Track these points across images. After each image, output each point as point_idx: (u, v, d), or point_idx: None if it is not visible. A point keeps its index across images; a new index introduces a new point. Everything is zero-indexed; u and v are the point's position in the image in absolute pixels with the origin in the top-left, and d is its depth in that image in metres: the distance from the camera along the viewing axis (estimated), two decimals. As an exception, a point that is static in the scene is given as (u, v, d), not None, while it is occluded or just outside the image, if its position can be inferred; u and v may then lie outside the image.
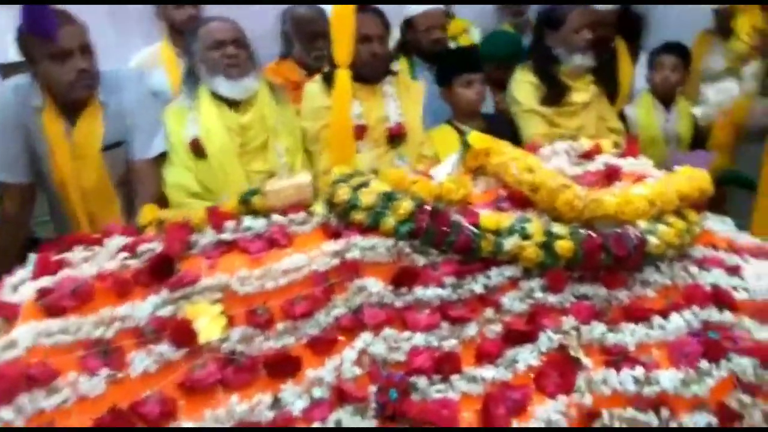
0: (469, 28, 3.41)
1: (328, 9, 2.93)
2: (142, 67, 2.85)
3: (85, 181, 2.23)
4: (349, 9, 2.12)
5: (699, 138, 2.94)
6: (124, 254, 1.38)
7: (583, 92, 2.78)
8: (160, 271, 1.33)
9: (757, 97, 2.41)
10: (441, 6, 2.99)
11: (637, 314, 1.46)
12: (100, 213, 2.25)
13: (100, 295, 1.30)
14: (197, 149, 2.28)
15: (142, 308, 1.29)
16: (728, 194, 2.89)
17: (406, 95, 2.53)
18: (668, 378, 1.35)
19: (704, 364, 1.38)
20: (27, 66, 2.17)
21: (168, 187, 2.31)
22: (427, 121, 2.61)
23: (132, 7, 3.19)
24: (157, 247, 1.39)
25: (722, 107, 2.21)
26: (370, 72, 2.45)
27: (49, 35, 2.03)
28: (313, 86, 2.49)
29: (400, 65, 2.88)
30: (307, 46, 2.79)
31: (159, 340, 1.27)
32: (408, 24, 2.99)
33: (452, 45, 3.10)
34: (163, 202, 2.31)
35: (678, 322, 1.44)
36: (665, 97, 2.96)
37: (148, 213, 1.52)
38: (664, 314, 1.46)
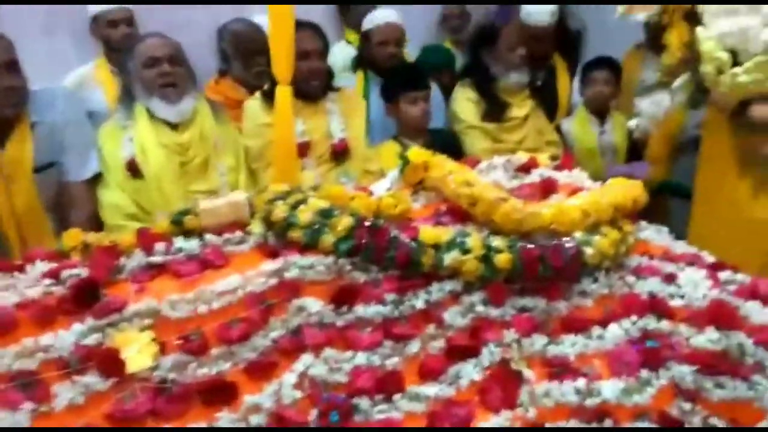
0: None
1: (266, 25, 2.91)
2: (76, 86, 2.76)
3: (15, 203, 2.13)
4: (288, 25, 2.10)
5: (635, 150, 3.03)
6: (48, 281, 1.31)
7: (521, 107, 2.85)
8: (85, 298, 1.26)
9: (688, 109, 2.50)
10: (397, 20, 2.98)
11: (577, 325, 1.47)
12: (31, 236, 2.16)
13: (21, 324, 1.23)
14: (133, 169, 2.22)
15: (66, 337, 1.22)
16: (668, 205, 3.00)
17: (349, 111, 2.53)
18: (610, 388, 1.35)
19: (644, 372, 1.39)
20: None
21: (103, 209, 2.24)
22: (375, 136, 2.60)
23: (66, 23, 3.09)
24: (83, 272, 1.32)
25: (655, 119, 2.28)
26: (310, 88, 2.44)
27: None
28: (254, 104, 2.46)
29: (356, 79, 2.88)
30: (247, 62, 2.75)
31: (85, 370, 1.21)
32: (365, 37, 2.98)
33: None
34: (98, 224, 2.23)
35: (616, 332, 1.45)
36: (599, 111, 3.05)
37: (72, 236, 1.45)
38: (603, 324, 1.47)
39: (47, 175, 2.18)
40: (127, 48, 2.34)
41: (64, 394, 1.18)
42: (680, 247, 1.74)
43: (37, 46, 3.04)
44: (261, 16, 2.88)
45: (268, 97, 2.39)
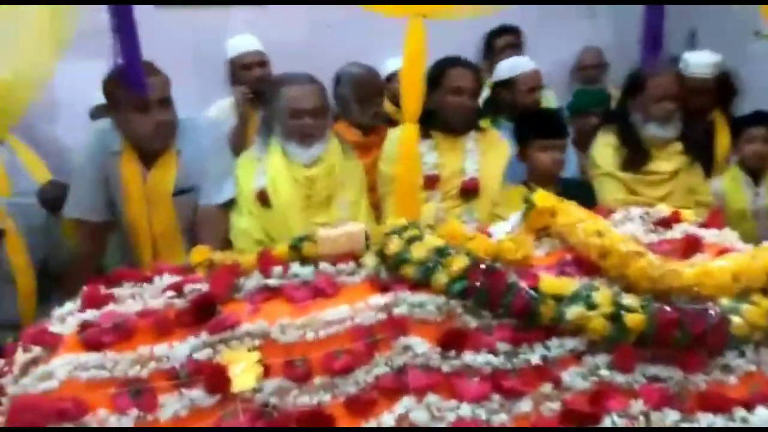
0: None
1: (387, 68, 2.99)
2: (219, 116, 2.96)
3: (155, 225, 2.27)
4: (421, 62, 2.12)
5: None
6: (171, 293, 1.36)
7: (667, 162, 2.63)
8: (202, 313, 1.30)
9: None
10: (538, 68, 2.97)
11: (716, 403, 1.29)
12: (166, 257, 2.27)
13: (140, 332, 1.28)
14: (263, 199, 2.31)
15: (180, 349, 1.25)
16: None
17: (489, 152, 2.51)
18: (753, 481, 1.17)
19: (796, 468, 1.19)
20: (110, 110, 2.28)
21: (234, 233, 2.33)
22: (507, 178, 2.54)
23: (214, 61, 3.36)
24: (204, 287, 1.36)
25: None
26: (456, 124, 2.46)
27: (135, 86, 2.12)
28: (396, 132, 2.50)
29: (483, 123, 2.85)
30: (365, 105, 2.78)
31: (193, 384, 1.23)
32: (503, 84, 2.97)
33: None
34: (228, 248, 2.32)
35: (764, 416, 1.27)
36: (754, 171, 2.76)
37: (200, 253, 1.51)
38: (748, 406, 1.29)
39: (186, 199, 2.30)
40: (274, 85, 2.45)
41: (170, 405, 1.21)
42: None
43: (187, 77, 3.35)
44: (394, 60, 2.98)
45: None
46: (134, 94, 2.13)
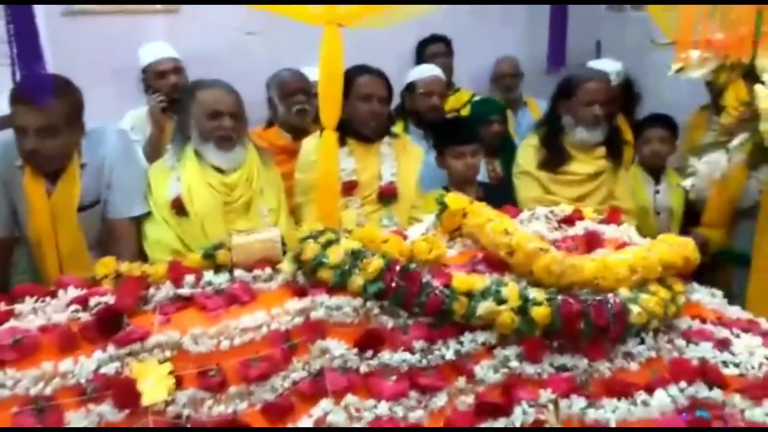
0: (472, 99, 3.47)
1: (314, 73, 3.00)
2: (134, 126, 2.88)
3: (60, 240, 2.17)
4: (337, 70, 2.14)
5: (691, 213, 2.90)
6: (75, 306, 1.31)
7: (587, 164, 2.72)
8: (109, 326, 1.26)
9: (748, 171, 2.38)
10: (440, 74, 3.06)
11: (620, 389, 1.37)
12: (73, 272, 2.18)
13: (43, 348, 1.23)
14: (178, 207, 2.25)
15: (86, 365, 1.21)
16: (730, 271, 2.82)
17: (404, 157, 2.53)
18: (653, 459, 1.24)
19: (693, 444, 1.28)
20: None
21: (148, 243, 2.26)
22: (423, 185, 2.59)
23: (129, 70, 3.27)
24: (110, 300, 1.32)
25: (712, 180, 2.16)
26: (367, 130, 2.47)
27: (37, 96, 2.00)
28: (311, 141, 2.50)
29: (396, 128, 2.90)
30: (288, 102, 2.82)
31: (101, 399, 1.19)
32: (408, 87, 3.03)
33: (449, 115, 3.14)
34: (141, 262, 2.25)
35: (663, 399, 1.35)
36: (654, 170, 2.94)
37: (106, 265, 1.46)
38: (649, 389, 1.37)
39: (91, 213, 2.21)
40: (189, 90, 2.40)
41: (77, 422, 1.17)
42: (735, 312, 1.62)
43: (103, 90, 3.24)
44: (311, 68, 2.99)
45: None
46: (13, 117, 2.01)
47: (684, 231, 2.85)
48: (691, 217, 2.91)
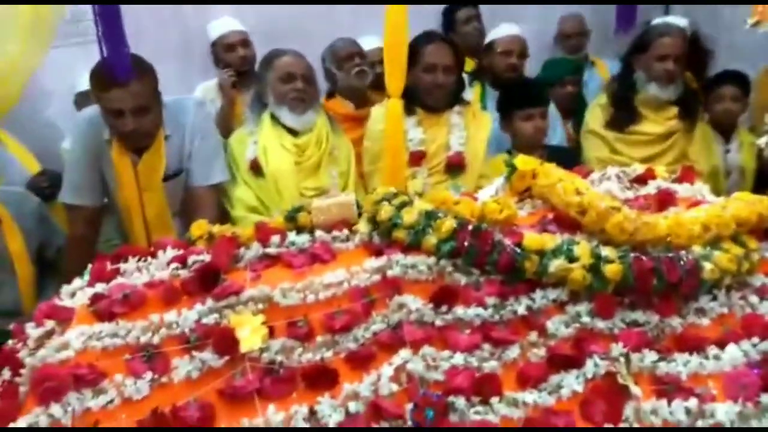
0: None
1: (371, 42, 3.04)
2: (206, 94, 3.01)
3: (147, 209, 2.32)
4: (402, 39, 2.17)
5: (764, 172, 2.81)
6: (175, 264, 1.43)
7: (658, 124, 2.67)
8: (207, 282, 1.37)
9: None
10: (520, 34, 3.04)
11: (692, 343, 1.40)
12: (158, 238, 2.31)
13: (149, 302, 1.35)
14: (255, 168, 2.39)
15: (188, 316, 1.32)
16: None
17: (473, 125, 2.54)
18: (725, 411, 1.28)
19: (765, 398, 1.30)
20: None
21: (232, 202, 2.42)
22: (491, 149, 2.60)
23: (199, 44, 3.39)
24: (206, 258, 1.43)
25: (788, 137, 2.11)
26: (432, 101, 2.49)
27: (121, 75, 2.11)
28: (380, 110, 2.56)
29: (473, 92, 2.90)
30: (346, 66, 2.87)
31: (203, 347, 1.30)
32: (487, 47, 3.03)
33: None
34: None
35: (735, 353, 1.37)
36: (724, 129, 2.85)
37: (199, 227, 1.57)
38: (721, 344, 1.40)
39: (176, 182, 2.35)
40: (266, 59, 2.53)
41: (183, 367, 1.28)
42: (813, 270, 1.60)
43: (173, 64, 3.38)
44: (369, 37, 3.04)
45: None
46: (106, 99, 2.11)
47: (757, 192, 2.77)
48: (763, 178, 2.82)
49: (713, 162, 2.82)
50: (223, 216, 2.37)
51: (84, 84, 3.04)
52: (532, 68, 3.31)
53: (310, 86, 2.44)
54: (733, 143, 2.84)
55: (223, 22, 3.20)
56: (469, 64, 3.21)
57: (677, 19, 3.25)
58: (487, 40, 3.06)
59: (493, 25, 3.28)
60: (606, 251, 1.42)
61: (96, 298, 1.35)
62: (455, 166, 2.47)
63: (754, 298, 1.47)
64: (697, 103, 2.80)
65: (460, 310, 1.39)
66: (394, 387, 1.29)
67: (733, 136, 2.85)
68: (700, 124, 2.94)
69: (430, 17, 3.49)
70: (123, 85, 2.07)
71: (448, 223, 1.43)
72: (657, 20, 3.20)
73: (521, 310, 1.40)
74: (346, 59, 2.88)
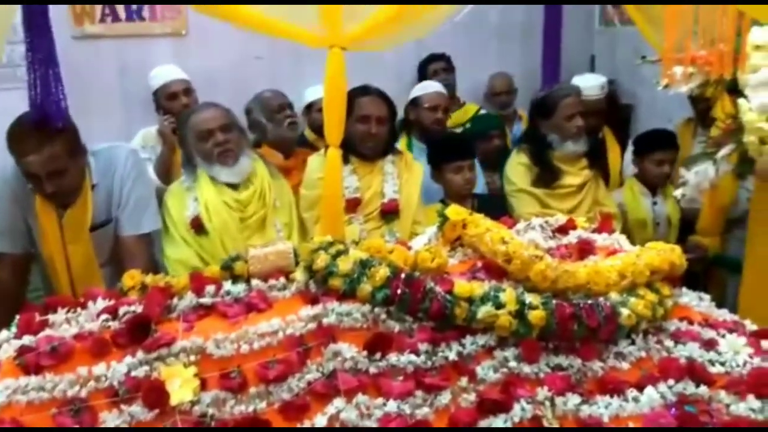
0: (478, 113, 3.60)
1: (316, 93, 3.13)
2: (147, 141, 3.00)
3: (72, 259, 2.25)
4: (341, 91, 2.24)
5: (687, 221, 3.00)
6: (106, 316, 1.42)
7: (576, 176, 2.86)
8: (138, 333, 1.36)
9: (735, 180, 2.49)
10: (443, 90, 3.20)
11: (612, 386, 1.46)
12: (83, 288, 2.23)
13: (77, 354, 1.33)
14: (197, 226, 2.35)
15: (118, 369, 1.31)
16: (724, 278, 2.92)
17: (406, 174, 2.62)
18: (643, 452, 1.33)
19: (680, 438, 1.37)
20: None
21: (169, 263, 2.36)
22: (423, 199, 2.68)
23: (138, 91, 3.40)
24: (138, 309, 1.42)
25: (701, 189, 2.27)
26: (366, 150, 2.56)
27: (55, 121, 2.08)
28: (316, 159, 2.61)
29: (400, 143, 3.00)
30: (277, 117, 2.95)
31: (132, 400, 1.29)
32: (413, 102, 3.15)
33: (447, 132, 3.26)
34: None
35: (653, 395, 1.44)
36: (652, 184, 3.04)
37: (132, 277, 1.56)
38: (639, 387, 1.47)
39: (103, 232, 2.29)
40: (181, 121, 2.52)
41: (111, 421, 1.26)
42: (722, 314, 1.71)
43: (112, 111, 3.37)
44: (314, 88, 3.13)
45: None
46: (26, 161, 2.06)
47: (680, 239, 2.96)
48: (686, 226, 3.00)
49: (641, 214, 3.00)
50: (154, 266, 2.33)
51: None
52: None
53: (232, 133, 2.41)
54: (659, 195, 3.04)
55: (165, 70, 3.22)
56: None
57: (595, 77, 3.48)
58: (411, 96, 3.19)
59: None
60: (530, 298, 1.49)
61: (23, 351, 1.32)
62: (390, 213, 2.53)
63: (669, 342, 1.56)
64: (601, 151, 3.02)
65: (393, 357, 1.42)
66: (328, 437, 1.30)
67: (658, 188, 3.04)
68: (618, 173, 3.14)
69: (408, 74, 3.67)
70: (36, 151, 2.03)
71: (382, 272, 1.48)
72: (575, 78, 3.41)
73: (452, 356, 1.44)
74: (277, 110, 2.95)
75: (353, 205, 2.50)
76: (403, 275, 1.48)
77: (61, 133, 2.08)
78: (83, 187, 2.21)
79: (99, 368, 1.30)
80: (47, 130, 2.03)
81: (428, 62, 3.75)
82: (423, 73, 3.75)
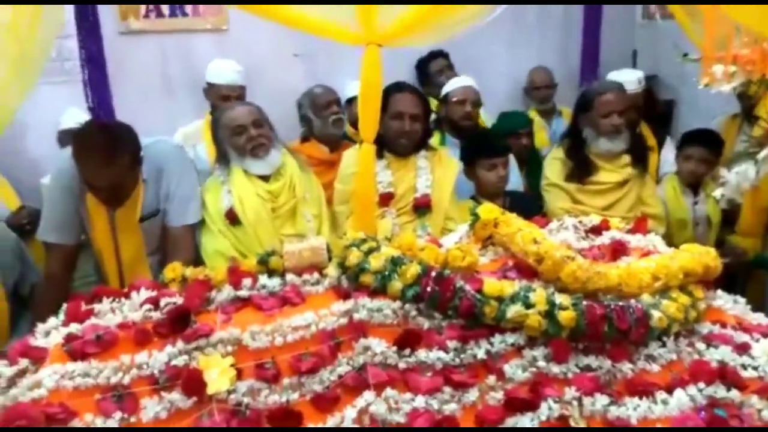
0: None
1: (348, 92, 3.17)
2: (184, 140, 3.08)
3: (122, 251, 2.34)
4: (376, 88, 2.27)
5: (729, 221, 2.93)
6: (148, 306, 1.48)
7: (614, 173, 2.81)
8: (178, 324, 1.42)
9: (779, 181, 2.43)
10: (473, 84, 3.18)
11: (641, 388, 1.46)
12: (132, 278, 2.33)
13: (121, 343, 1.40)
14: (232, 218, 2.43)
15: (158, 357, 1.37)
16: (764, 279, 2.86)
17: (439, 169, 2.64)
18: (671, 454, 1.34)
19: (709, 441, 1.37)
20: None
21: (207, 254, 2.43)
22: (458, 197, 2.70)
23: (184, 85, 3.49)
24: (179, 301, 1.48)
25: (741, 190, 2.22)
26: (399, 147, 2.59)
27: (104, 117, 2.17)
28: (351, 152, 2.66)
29: (433, 139, 3.02)
30: (323, 114, 3.01)
31: (171, 388, 1.35)
32: (444, 98, 3.17)
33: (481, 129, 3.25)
34: (196, 267, 2.42)
35: (682, 398, 1.44)
36: (693, 183, 2.98)
37: (173, 270, 1.62)
38: (669, 389, 1.46)
39: (152, 222, 2.38)
40: (215, 119, 2.61)
41: (151, 408, 1.32)
42: (757, 318, 1.69)
43: (158, 99, 3.47)
44: (355, 83, 3.16)
45: None
46: (86, 171, 2.14)
47: (720, 240, 2.90)
48: (727, 227, 2.94)
49: (681, 214, 2.95)
50: (199, 256, 2.41)
51: (67, 122, 3.12)
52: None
53: (264, 128, 2.50)
54: (701, 195, 2.98)
55: (228, 69, 3.25)
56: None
57: (632, 72, 3.41)
58: (443, 92, 3.19)
59: (467, 74, 3.43)
60: (560, 298, 1.50)
61: (70, 338, 1.39)
62: (422, 207, 2.56)
63: (701, 345, 1.55)
64: (646, 149, 2.96)
65: (422, 354, 1.45)
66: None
67: (700, 188, 2.99)
68: (656, 170, 3.08)
69: (403, 71, 3.65)
70: (100, 170, 2.11)
71: (413, 269, 1.50)
72: (611, 73, 3.36)
73: (481, 354, 1.46)
74: (325, 107, 3.01)
75: (386, 199, 2.53)
76: (433, 273, 1.50)
77: (126, 149, 2.17)
78: (136, 185, 2.30)
79: (141, 356, 1.37)
80: (113, 147, 2.12)
81: (429, 60, 3.70)
82: (424, 71, 3.72)
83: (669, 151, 3.32)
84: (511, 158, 2.90)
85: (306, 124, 3.09)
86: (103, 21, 2.46)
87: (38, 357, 1.38)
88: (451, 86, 3.17)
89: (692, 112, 3.75)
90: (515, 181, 3.00)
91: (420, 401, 1.39)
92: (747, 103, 2.98)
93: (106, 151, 2.10)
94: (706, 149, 2.93)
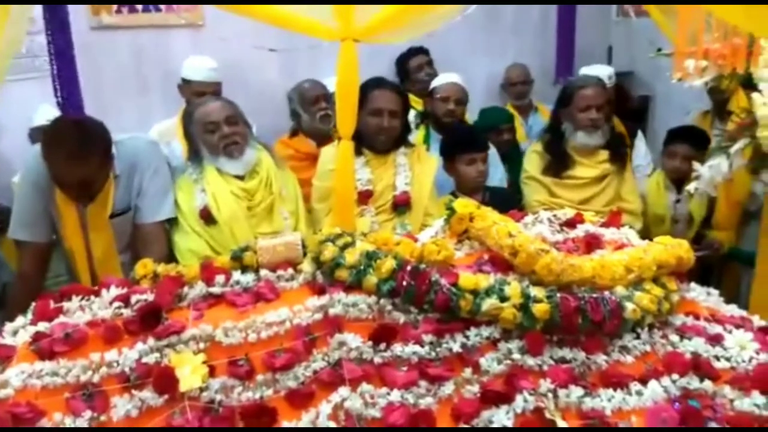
0: None
1: (330, 85, 3.16)
2: (161, 136, 3.04)
3: (93, 247, 2.30)
4: (353, 84, 2.25)
5: (709, 220, 2.95)
6: (118, 303, 1.45)
7: (591, 168, 2.84)
8: (149, 321, 1.39)
9: (751, 176, 2.46)
10: (459, 81, 3.18)
11: (615, 380, 1.47)
12: (103, 275, 2.30)
13: (90, 341, 1.37)
14: (206, 216, 2.39)
15: (129, 355, 1.35)
16: (738, 272, 2.90)
17: (418, 166, 2.63)
18: (645, 445, 1.34)
19: None
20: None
21: (180, 253, 2.40)
22: (437, 193, 2.69)
23: (158, 81, 3.44)
24: (149, 298, 1.46)
25: (714, 183, 2.25)
26: (377, 144, 2.57)
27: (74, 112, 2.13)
28: (329, 150, 2.64)
29: (418, 134, 3.02)
30: (311, 109, 3.01)
31: (142, 386, 1.32)
32: (430, 94, 3.17)
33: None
34: (168, 264, 2.39)
35: (656, 389, 1.45)
36: (677, 181, 3.00)
37: (144, 266, 1.60)
38: (643, 381, 1.47)
39: (123, 219, 2.35)
40: (187, 114, 2.56)
41: (122, 406, 1.30)
42: (730, 310, 1.71)
43: (129, 100, 3.42)
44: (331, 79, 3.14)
45: None
46: (55, 170, 2.11)
47: (698, 235, 2.93)
48: (707, 225, 2.96)
49: (661, 210, 2.98)
50: (172, 253, 2.38)
51: (39, 118, 3.06)
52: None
53: (238, 126, 2.44)
54: (684, 193, 3.00)
55: (205, 66, 3.19)
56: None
57: (603, 68, 3.45)
58: (431, 87, 3.20)
59: (446, 71, 3.44)
60: (535, 291, 1.50)
61: (37, 337, 1.36)
62: (401, 205, 2.55)
63: (674, 337, 1.57)
64: (624, 145, 2.98)
65: (398, 348, 1.44)
66: (332, 424, 1.33)
67: (683, 186, 3.01)
68: (658, 171, 3.10)
69: (383, 67, 3.63)
70: (70, 167, 2.08)
71: (388, 264, 1.50)
72: (582, 69, 3.39)
73: (456, 347, 1.46)
74: (313, 102, 3.00)
75: (365, 197, 2.52)
76: (408, 267, 1.49)
77: (97, 145, 2.13)
78: (106, 181, 2.26)
79: (111, 354, 1.34)
80: (84, 143, 2.07)
81: (409, 56, 3.70)
82: (404, 68, 3.72)
83: (641, 144, 3.35)
84: (495, 154, 2.90)
85: (295, 118, 3.07)
86: (75, 16, 2.42)
87: (5, 356, 1.35)
88: (438, 82, 3.17)
89: (667, 107, 3.80)
90: (500, 176, 3.00)
91: (396, 395, 1.38)
92: (719, 97, 3.03)
93: (77, 147, 2.06)
94: (690, 146, 2.95)
